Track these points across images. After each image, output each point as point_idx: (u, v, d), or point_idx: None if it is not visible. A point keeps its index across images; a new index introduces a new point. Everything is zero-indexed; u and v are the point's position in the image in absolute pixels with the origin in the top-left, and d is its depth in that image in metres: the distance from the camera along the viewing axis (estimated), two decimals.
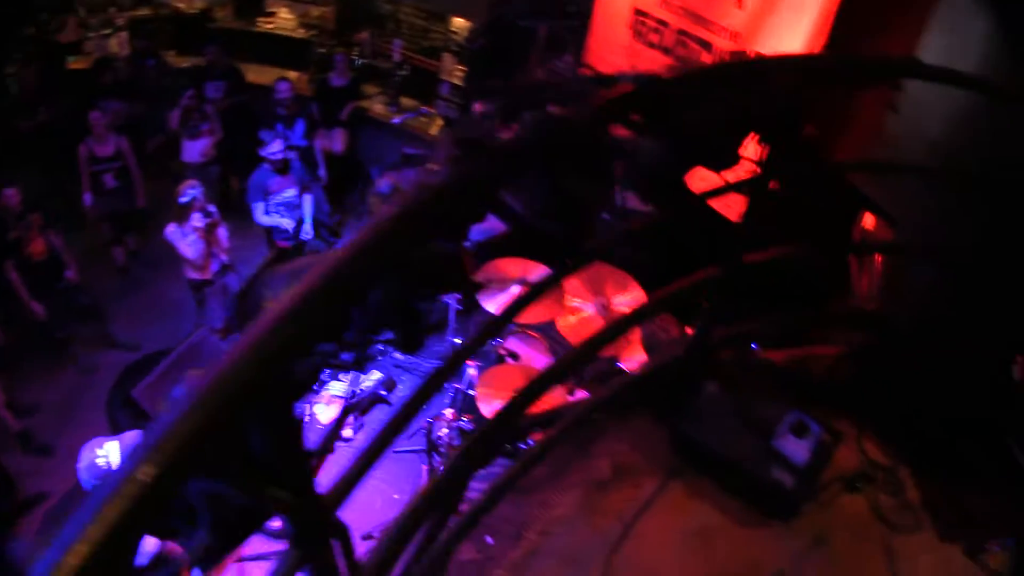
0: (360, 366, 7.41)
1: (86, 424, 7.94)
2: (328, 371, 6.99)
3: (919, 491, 3.59)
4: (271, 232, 8.22)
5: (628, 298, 6.03)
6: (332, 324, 1.72)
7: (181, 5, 13.36)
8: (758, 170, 2.97)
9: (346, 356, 7.25)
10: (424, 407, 2.27)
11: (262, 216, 7.94)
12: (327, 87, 9.69)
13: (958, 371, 3.47)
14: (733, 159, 2.83)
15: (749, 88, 2.67)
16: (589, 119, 2.06)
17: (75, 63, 12.44)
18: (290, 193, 7.94)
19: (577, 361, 4.14)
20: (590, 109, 2.13)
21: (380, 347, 7.62)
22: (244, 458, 1.41)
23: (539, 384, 3.04)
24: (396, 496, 6.77)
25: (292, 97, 8.78)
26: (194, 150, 9.16)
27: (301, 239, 8.20)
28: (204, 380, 1.23)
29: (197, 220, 6.96)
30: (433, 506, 2.71)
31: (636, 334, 5.90)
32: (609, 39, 7.20)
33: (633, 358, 5.81)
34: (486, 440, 2.93)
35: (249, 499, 1.47)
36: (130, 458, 1.09)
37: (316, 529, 1.67)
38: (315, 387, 6.84)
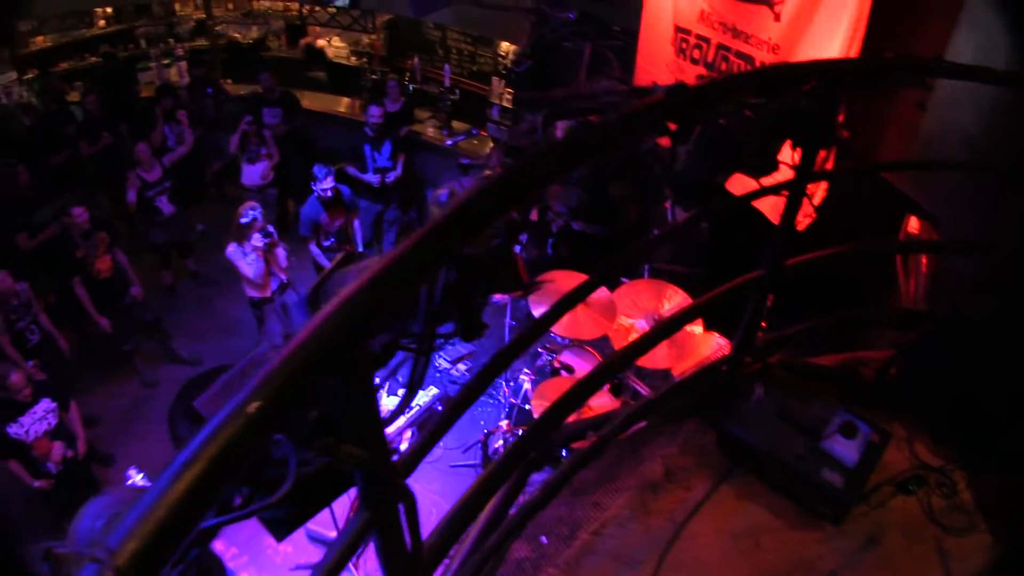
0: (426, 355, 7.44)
1: (148, 436, 8.27)
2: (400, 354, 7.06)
3: (972, 492, 3.57)
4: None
5: (672, 304, 6.10)
6: (403, 302, 1.83)
7: (237, 35, 13.75)
8: (794, 174, 3.02)
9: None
10: (490, 384, 2.36)
11: (317, 255, 8.13)
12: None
13: (1010, 368, 3.47)
14: (771, 165, 2.89)
15: (782, 93, 2.73)
16: (623, 125, 2.14)
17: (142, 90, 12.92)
18: (339, 223, 8.10)
19: (623, 363, 4.19)
20: (625, 116, 2.21)
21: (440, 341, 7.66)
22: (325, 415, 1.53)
23: (587, 386, 3.11)
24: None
25: (380, 122, 8.94)
26: (253, 173, 9.42)
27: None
28: (301, 335, 1.34)
29: (257, 240, 7.15)
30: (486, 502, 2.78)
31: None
32: (655, 57, 7.30)
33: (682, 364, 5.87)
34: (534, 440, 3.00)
35: (327, 455, 1.56)
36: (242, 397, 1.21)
37: (387, 491, 1.77)
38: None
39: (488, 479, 2.72)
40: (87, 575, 1.06)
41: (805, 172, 3.01)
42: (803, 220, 4.15)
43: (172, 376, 8.93)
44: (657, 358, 5.99)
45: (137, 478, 5.21)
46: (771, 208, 5.06)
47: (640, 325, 6.21)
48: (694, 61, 6.71)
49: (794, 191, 3.11)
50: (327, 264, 8.05)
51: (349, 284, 2.28)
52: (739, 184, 3.00)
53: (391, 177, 9.13)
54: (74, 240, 8.01)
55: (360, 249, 8.36)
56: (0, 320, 7.48)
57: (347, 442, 1.57)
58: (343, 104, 11.60)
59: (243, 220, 7.16)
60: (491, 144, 9.84)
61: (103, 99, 11.09)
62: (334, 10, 12.06)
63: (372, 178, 9.03)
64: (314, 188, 7.89)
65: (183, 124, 10.34)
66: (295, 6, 13.08)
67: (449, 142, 9.98)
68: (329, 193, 7.86)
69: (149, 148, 9.03)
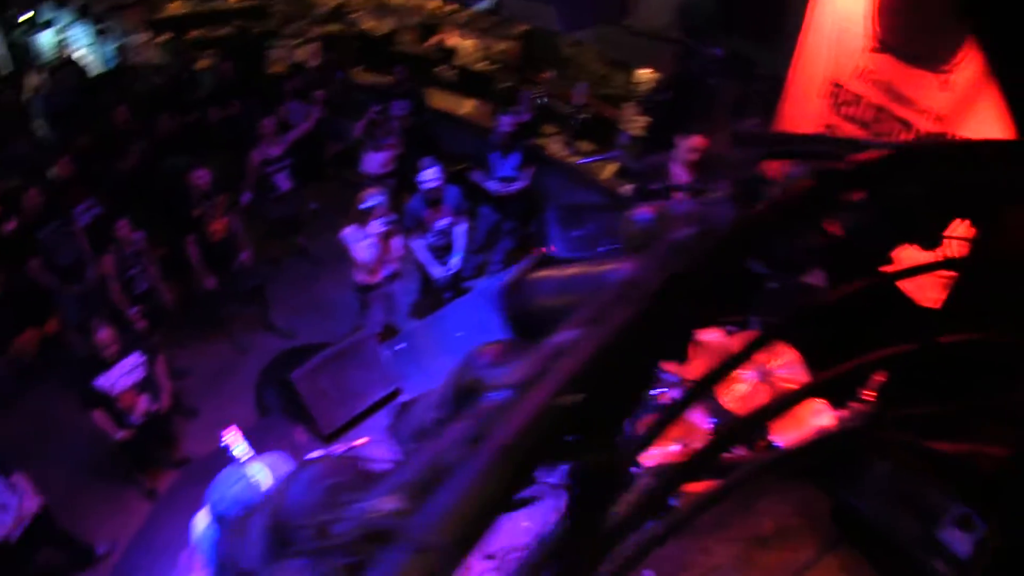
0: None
1: (233, 397, 8.40)
2: None
3: None
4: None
5: (782, 362, 5.94)
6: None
7: (370, 26, 13.96)
8: (965, 251, 2.91)
9: None
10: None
11: (421, 250, 8.10)
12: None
13: None
14: (940, 238, 2.79)
15: (962, 168, 2.63)
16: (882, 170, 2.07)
17: (270, 67, 13.23)
18: (444, 223, 8.13)
19: (743, 429, 4.10)
20: (843, 170, 2.14)
21: None
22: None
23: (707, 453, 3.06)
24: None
25: (511, 132, 8.97)
26: (375, 161, 9.52)
27: (451, 270, 8.37)
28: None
29: (376, 227, 7.17)
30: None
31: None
32: (804, 106, 7.13)
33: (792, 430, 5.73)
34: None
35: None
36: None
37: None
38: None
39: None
40: (397, 556, 1.06)
41: (978, 249, 2.89)
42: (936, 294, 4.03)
43: (264, 345, 9.04)
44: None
45: (237, 445, 5.20)
46: (914, 282, 4.91)
47: (748, 376, 6.07)
48: (848, 118, 6.55)
49: (964, 268, 3.00)
50: (429, 261, 8.07)
51: (549, 294, 2.28)
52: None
53: (515, 187, 9.11)
54: (193, 200, 8.17)
55: (459, 261, 8.28)
56: (114, 265, 7.65)
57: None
58: (468, 106, 11.66)
59: (365, 205, 7.20)
60: (610, 170, 9.74)
61: (237, 68, 11.38)
62: (473, 13, 12.16)
63: (493, 186, 9.04)
64: (417, 180, 7.87)
65: (317, 103, 10.54)
66: (434, 4, 13.23)
67: (582, 161, 9.91)
68: (431, 186, 7.82)
69: (275, 124, 9.19)
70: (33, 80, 12.82)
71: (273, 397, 8.02)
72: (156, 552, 6.12)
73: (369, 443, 5.38)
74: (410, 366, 7.37)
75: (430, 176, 7.73)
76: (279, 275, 10.17)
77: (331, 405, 6.74)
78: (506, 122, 8.85)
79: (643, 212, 2.64)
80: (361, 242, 7.29)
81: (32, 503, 6.16)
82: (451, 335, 7.77)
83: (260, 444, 6.74)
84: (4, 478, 5.95)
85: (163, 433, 7.42)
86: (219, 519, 3.46)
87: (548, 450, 1.35)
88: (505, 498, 1.26)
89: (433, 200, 7.83)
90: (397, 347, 7.66)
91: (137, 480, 7.51)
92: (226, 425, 7.94)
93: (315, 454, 3.60)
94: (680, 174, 6.88)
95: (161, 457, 7.68)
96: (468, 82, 12.08)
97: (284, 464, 3.68)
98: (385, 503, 1.47)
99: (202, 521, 3.89)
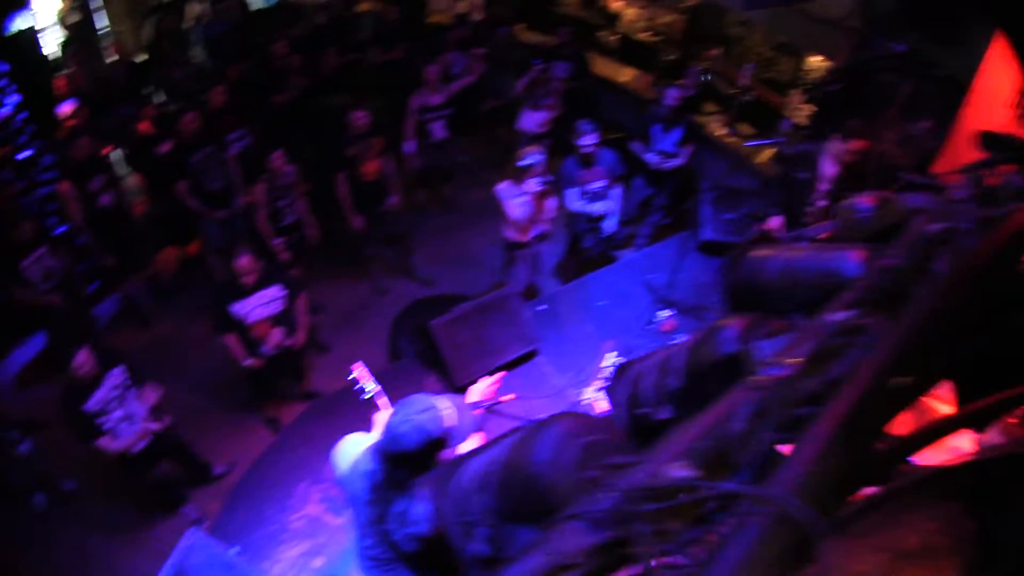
0: None
1: (365, 338, 8.46)
2: None
3: None
4: (574, 220, 8.22)
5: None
6: None
7: None
8: None
9: None
10: None
11: (574, 202, 7.89)
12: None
13: None
14: None
15: None
16: None
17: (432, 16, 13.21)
18: (598, 184, 7.86)
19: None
20: None
21: None
22: None
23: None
24: None
25: (677, 106, 8.70)
26: (532, 120, 9.37)
27: (604, 232, 8.19)
28: None
29: (533, 185, 7.00)
30: None
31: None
32: (986, 115, 6.72)
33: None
34: None
35: None
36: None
37: None
38: None
39: None
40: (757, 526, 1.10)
41: None
42: None
43: (402, 290, 9.09)
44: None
45: (366, 382, 5.06)
46: None
47: None
48: None
49: None
50: (583, 207, 7.84)
51: (771, 273, 2.08)
52: None
53: (673, 163, 8.86)
54: (349, 139, 8.15)
55: (614, 223, 8.08)
56: (264, 194, 7.70)
57: None
58: (628, 75, 11.40)
59: (523, 162, 7.04)
60: (767, 155, 9.36)
61: (400, 14, 11.36)
62: None
63: (652, 158, 8.80)
64: (575, 142, 7.66)
65: (477, 57, 10.44)
66: None
67: (750, 143, 9.56)
68: (588, 147, 7.58)
69: (440, 72, 9.10)
70: (195, 9, 13.08)
71: (407, 343, 7.99)
72: (273, 480, 6.19)
73: (515, 400, 5.22)
74: (549, 329, 7.23)
75: (587, 138, 7.54)
76: (424, 223, 10.19)
77: (467, 357, 6.65)
78: (673, 96, 8.57)
79: (863, 202, 2.47)
80: (515, 199, 7.14)
81: (158, 418, 6.27)
82: (594, 303, 7.61)
83: (389, 388, 6.72)
84: (136, 390, 6.03)
85: (293, 366, 7.45)
86: (392, 451, 3.26)
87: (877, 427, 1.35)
88: (853, 471, 1.31)
89: (589, 161, 7.63)
90: (539, 308, 7.53)
91: (261, 408, 7.60)
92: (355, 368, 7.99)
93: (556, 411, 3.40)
94: (829, 168, 6.54)
95: (288, 389, 7.75)
96: (630, 50, 11.81)
97: (460, 407, 3.47)
98: (675, 469, 1.31)
99: (352, 453, 3.73)
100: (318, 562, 5.51)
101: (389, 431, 3.21)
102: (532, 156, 6.97)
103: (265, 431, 7.54)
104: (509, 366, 6.82)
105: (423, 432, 3.13)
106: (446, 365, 6.58)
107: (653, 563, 1.18)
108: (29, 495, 6.96)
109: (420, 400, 3.26)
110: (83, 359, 5.54)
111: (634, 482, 1.27)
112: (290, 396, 7.77)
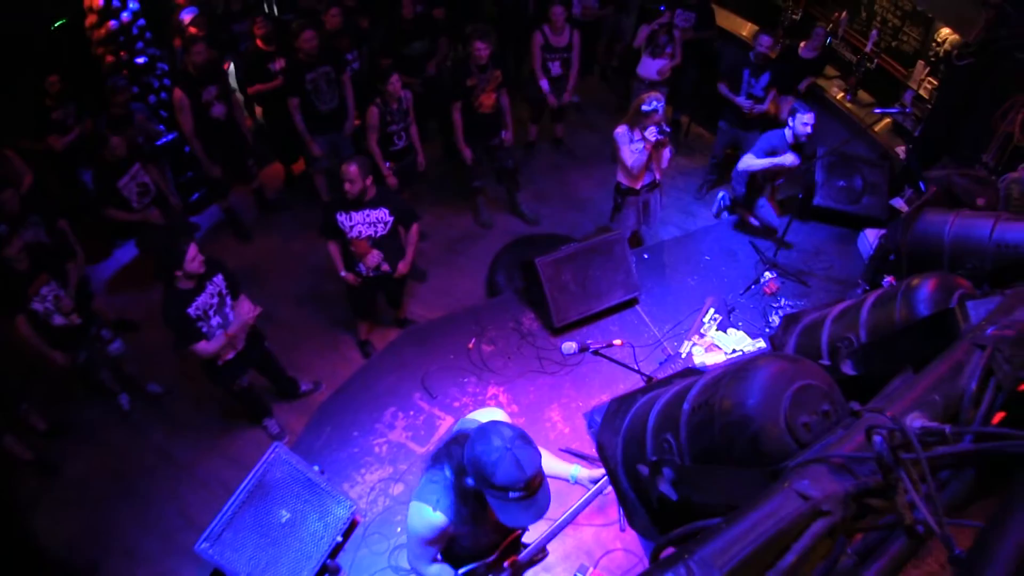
0: None
1: (463, 270, 8.53)
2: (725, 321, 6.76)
3: None
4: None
5: None
6: None
7: None
8: None
9: None
10: None
11: (753, 161, 7.39)
12: (795, 55, 9.33)
13: None
14: None
15: None
16: None
17: None
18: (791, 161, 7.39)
19: None
20: None
21: None
22: None
23: None
24: None
25: (767, 53, 8.49)
26: (652, 67, 9.20)
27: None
28: None
29: (651, 133, 6.85)
30: None
31: None
32: None
33: None
34: None
35: None
36: None
37: None
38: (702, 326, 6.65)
39: None
40: None
41: None
42: None
43: (506, 225, 9.07)
44: None
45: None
46: None
47: None
48: None
49: None
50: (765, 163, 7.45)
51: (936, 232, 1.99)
52: None
53: (759, 108, 8.74)
54: (470, 69, 8.09)
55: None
56: (378, 117, 7.68)
57: None
58: (749, 30, 11.08)
59: (645, 108, 6.87)
60: (883, 124, 9.04)
61: None
62: None
63: (744, 102, 8.66)
64: (790, 124, 7.23)
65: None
66: None
67: (877, 110, 9.26)
68: (807, 134, 7.21)
69: (564, 13, 8.95)
70: None
71: (502, 278, 7.98)
72: (360, 403, 6.23)
73: (624, 345, 5.17)
74: (651, 279, 7.15)
75: (808, 120, 7.20)
76: (532, 161, 10.15)
77: (569, 298, 6.62)
78: (765, 42, 8.36)
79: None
80: (632, 144, 7.00)
81: (249, 329, 6.32)
82: (698, 257, 7.50)
83: (484, 323, 6.72)
84: (231, 301, 6.07)
85: (392, 291, 7.46)
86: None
87: None
88: None
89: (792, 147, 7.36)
90: (644, 256, 7.43)
91: (355, 330, 7.66)
92: (453, 295, 8.02)
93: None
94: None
95: (382, 314, 7.80)
96: (756, 5, 11.47)
97: None
98: (912, 419, 1.24)
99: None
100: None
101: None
102: (653, 101, 6.82)
103: (356, 354, 7.62)
104: (607, 312, 6.79)
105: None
106: (546, 304, 6.56)
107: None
108: (116, 395, 7.18)
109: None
110: (193, 254, 5.54)
111: (898, 428, 1.20)
112: (385, 321, 7.82)
